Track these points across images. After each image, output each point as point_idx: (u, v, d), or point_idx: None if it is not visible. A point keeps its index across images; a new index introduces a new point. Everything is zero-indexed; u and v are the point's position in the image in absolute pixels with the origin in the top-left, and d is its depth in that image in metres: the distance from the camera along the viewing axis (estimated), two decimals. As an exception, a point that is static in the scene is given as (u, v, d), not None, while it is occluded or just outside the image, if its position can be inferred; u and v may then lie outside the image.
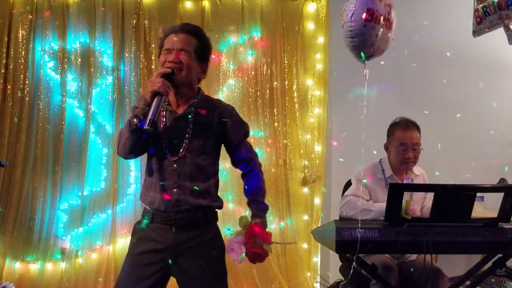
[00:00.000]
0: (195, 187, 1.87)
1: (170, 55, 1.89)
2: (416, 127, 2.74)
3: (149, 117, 1.75)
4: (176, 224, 1.87)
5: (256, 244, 1.78)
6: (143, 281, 1.85)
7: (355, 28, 2.23)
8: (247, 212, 3.77)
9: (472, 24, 2.70)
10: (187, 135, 1.89)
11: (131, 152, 1.91)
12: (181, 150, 1.88)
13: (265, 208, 2.00)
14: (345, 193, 2.77)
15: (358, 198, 2.66)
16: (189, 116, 1.91)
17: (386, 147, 2.81)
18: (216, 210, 2.00)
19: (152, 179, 1.92)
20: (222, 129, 1.95)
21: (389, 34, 2.23)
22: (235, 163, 2.06)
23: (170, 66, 1.86)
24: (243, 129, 2.05)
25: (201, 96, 1.98)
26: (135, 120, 1.79)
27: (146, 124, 1.75)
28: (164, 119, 1.93)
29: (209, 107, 1.96)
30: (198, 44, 1.93)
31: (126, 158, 2.01)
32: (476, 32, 2.71)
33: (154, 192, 1.91)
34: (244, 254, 1.78)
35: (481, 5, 2.57)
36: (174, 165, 1.88)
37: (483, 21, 2.58)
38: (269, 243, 1.81)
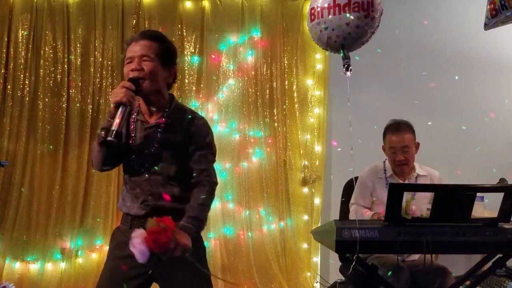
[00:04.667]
0: (169, 194, 1.86)
1: (132, 64, 1.85)
2: (408, 128, 2.75)
3: (113, 127, 1.73)
4: None
5: (152, 227, 1.61)
6: (126, 284, 1.84)
7: (311, 32, 2.22)
8: (247, 212, 3.79)
9: (485, 17, 2.65)
10: (155, 145, 1.87)
11: (104, 164, 1.90)
12: (151, 161, 1.88)
13: (197, 216, 1.80)
14: (351, 201, 2.85)
15: (360, 206, 2.74)
16: (159, 126, 1.89)
17: (383, 149, 2.83)
18: None
19: (127, 189, 1.94)
20: (189, 137, 1.90)
21: (343, 17, 2.13)
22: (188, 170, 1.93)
23: (133, 75, 1.82)
24: (204, 139, 1.92)
25: (174, 106, 1.95)
26: (102, 132, 1.77)
27: (110, 135, 1.72)
28: (134, 131, 1.92)
29: (179, 117, 1.93)
30: (161, 48, 1.88)
31: (101, 171, 1.98)
32: (488, 26, 2.68)
33: (130, 202, 1.91)
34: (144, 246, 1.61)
35: None
36: (146, 175, 1.88)
37: (499, 15, 2.53)
38: (168, 224, 1.63)
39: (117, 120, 1.74)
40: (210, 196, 1.88)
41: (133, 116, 1.95)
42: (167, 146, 1.88)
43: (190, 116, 1.94)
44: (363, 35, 2.11)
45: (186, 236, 1.71)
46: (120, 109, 1.75)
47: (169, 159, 1.88)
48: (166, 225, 1.63)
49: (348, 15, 2.08)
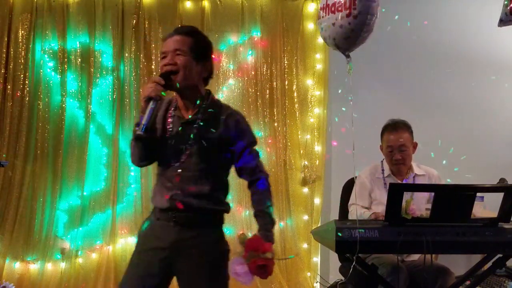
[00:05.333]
0: (199, 191, 1.86)
1: (166, 58, 1.87)
2: (405, 127, 2.75)
3: (143, 122, 1.76)
4: (179, 222, 1.87)
5: (254, 257, 1.71)
6: (149, 278, 1.85)
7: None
8: (247, 212, 3.79)
9: (502, 13, 2.63)
10: (191, 141, 1.87)
11: (141, 159, 1.94)
12: (184, 155, 1.88)
13: (270, 221, 1.88)
14: (350, 202, 2.84)
15: (359, 206, 2.73)
16: (195, 122, 1.89)
17: (381, 148, 2.83)
18: (223, 213, 1.98)
19: (159, 183, 1.95)
20: (227, 135, 1.91)
21: (330, 17, 2.11)
22: (238, 171, 1.98)
23: (166, 69, 1.84)
24: (248, 136, 1.95)
25: (211, 101, 1.95)
26: (136, 128, 1.80)
27: (140, 130, 1.76)
28: (171, 125, 1.92)
29: (216, 112, 1.93)
30: (194, 42, 1.88)
31: (140, 166, 2.03)
32: (504, 22, 2.66)
33: (159, 196, 1.92)
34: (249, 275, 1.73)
35: None
36: (178, 170, 1.88)
37: None
38: (269, 250, 1.74)
39: (146, 115, 1.77)
40: (271, 193, 1.94)
41: (170, 111, 1.95)
42: (202, 142, 1.88)
43: (226, 112, 1.94)
44: (350, 34, 2.07)
45: (272, 246, 1.79)
46: (151, 103, 1.78)
47: (203, 155, 1.88)
48: (266, 251, 1.73)
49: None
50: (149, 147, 1.89)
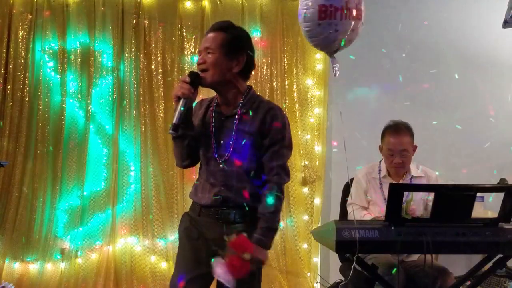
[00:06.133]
0: (242, 188, 1.87)
1: (199, 58, 1.90)
2: (407, 131, 2.71)
3: (173, 121, 1.80)
4: (223, 219, 1.88)
5: (232, 255, 1.69)
6: (200, 265, 1.86)
7: (311, 28, 2.10)
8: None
9: (507, 15, 2.64)
10: (233, 137, 1.88)
11: (183, 159, 1.96)
12: (227, 151, 1.89)
13: (271, 227, 1.84)
14: (348, 201, 2.82)
15: (357, 206, 2.74)
16: (235, 117, 1.90)
17: (380, 149, 2.82)
18: None
19: (201, 180, 1.96)
20: (263, 129, 1.89)
21: (351, 24, 2.08)
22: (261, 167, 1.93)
23: (197, 69, 1.88)
24: (279, 134, 1.90)
25: (250, 96, 1.94)
26: (169, 127, 1.84)
27: (170, 129, 1.80)
28: (213, 121, 1.94)
29: (255, 107, 1.92)
30: (226, 38, 1.87)
31: (182, 167, 2.04)
32: (508, 23, 2.67)
33: (201, 192, 1.93)
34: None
35: None
36: (221, 166, 1.89)
37: None
38: (249, 251, 1.70)
39: (176, 113, 1.81)
40: (280, 200, 1.86)
41: (212, 108, 1.97)
42: (242, 137, 1.88)
43: (266, 107, 1.92)
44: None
45: (262, 251, 1.77)
46: (181, 102, 1.81)
47: (243, 151, 1.88)
48: (245, 252, 1.70)
49: None
50: (188, 145, 1.91)
